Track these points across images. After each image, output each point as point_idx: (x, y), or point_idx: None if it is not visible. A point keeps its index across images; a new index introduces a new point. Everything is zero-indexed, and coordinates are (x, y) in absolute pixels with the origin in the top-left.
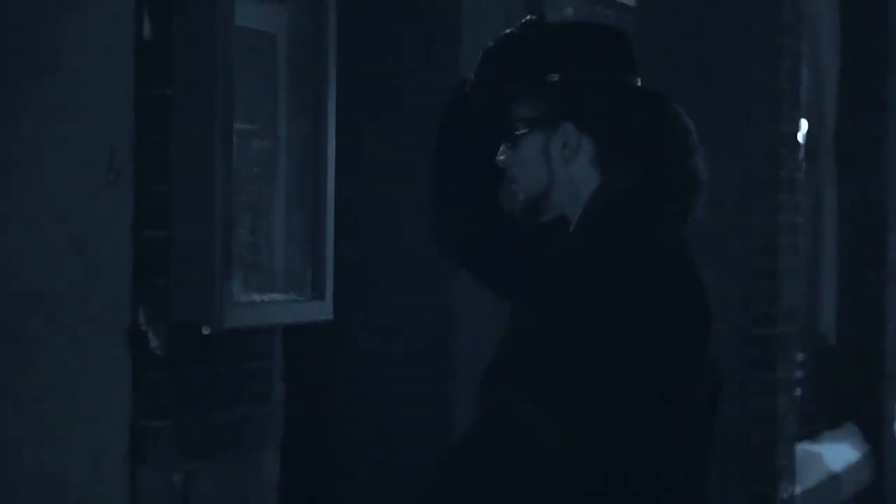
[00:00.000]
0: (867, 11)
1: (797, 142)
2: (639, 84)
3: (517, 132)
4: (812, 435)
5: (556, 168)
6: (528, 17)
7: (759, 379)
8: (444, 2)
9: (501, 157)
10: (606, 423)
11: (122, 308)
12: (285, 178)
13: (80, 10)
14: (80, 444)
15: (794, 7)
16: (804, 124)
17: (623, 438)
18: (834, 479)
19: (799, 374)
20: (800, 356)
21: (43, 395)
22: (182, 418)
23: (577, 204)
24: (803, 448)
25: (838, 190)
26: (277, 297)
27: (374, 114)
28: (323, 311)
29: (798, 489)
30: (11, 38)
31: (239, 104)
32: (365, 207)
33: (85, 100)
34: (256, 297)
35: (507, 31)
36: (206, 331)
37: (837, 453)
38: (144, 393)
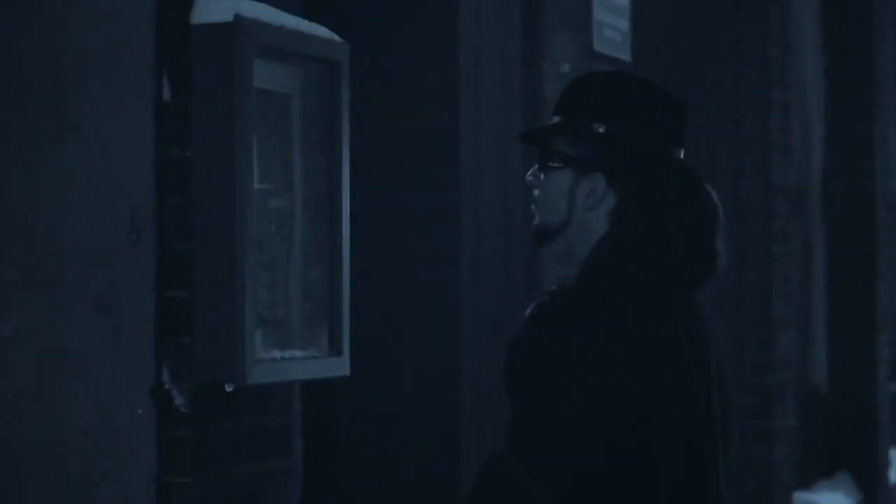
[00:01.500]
0: (853, 64)
1: (789, 192)
2: (681, 155)
3: (551, 163)
4: (806, 484)
5: (577, 210)
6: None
7: (755, 427)
8: (442, 64)
9: (530, 178)
10: (590, 480)
11: (147, 366)
12: (301, 236)
13: (101, 73)
14: (107, 502)
15: (783, 61)
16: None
17: (606, 494)
18: None
19: (794, 422)
20: (793, 404)
21: (68, 452)
22: (206, 474)
23: (587, 246)
24: (799, 496)
25: (828, 238)
26: (296, 353)
27: (385, 170)
28: (340, 367)
29: None
30: (33, 101)
31: (256, 164)
32: (379, 260)
33: (106, 161)
34: (277, 354)
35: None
36: (229, 388)
37: (832, 502)
38: (169, 449)
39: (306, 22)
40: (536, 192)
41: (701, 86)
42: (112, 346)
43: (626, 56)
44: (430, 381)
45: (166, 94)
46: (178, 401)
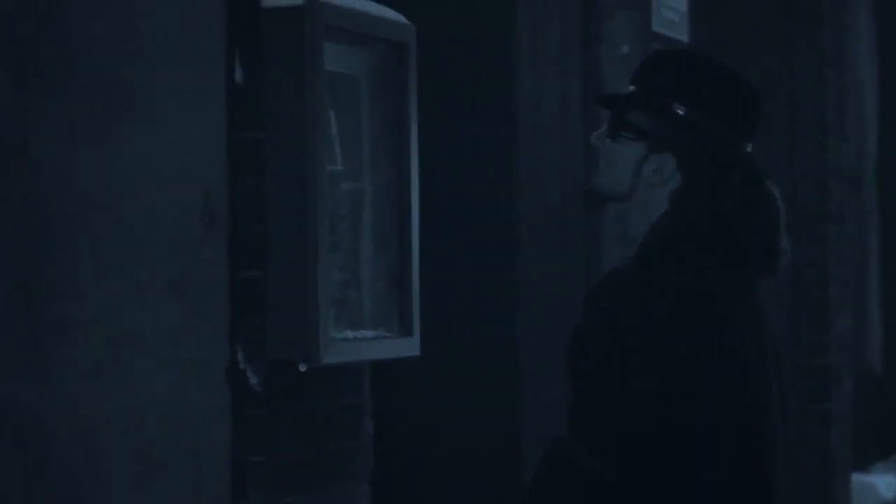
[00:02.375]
0: None
1: (844, 173)
2: (749, 150)
3: (623, 132)
4: (863, 465)
5: (641, 184)
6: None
7: (812, 410)
8: (501, 46)
9: (595, 140)
10: (651, 457)
11: (221, 346)
12: (372, 218)
13: (174, 57)
14: (183, 481)
15: (837, 39)
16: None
17: (665, 470)
18: None
19: (850, 404)
20: (849, 386)
21: (145, 434)
22: (280, 453)
23: (645, 222)
24: (856, 478)
25: (882, 219)
26: (368, 333)
27: (445, 155)
28: (411, 347)
29: None
30: (106, 86)
31: (327, 146)
32: (449, 240)
33: (179, 144)
34: (349, 334)
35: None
36: (302, 367)
37: (890, 483)
38: (243, 428)
39: (374, 4)
40: (600, 154)
41: (755, 65)
42: (187, 328)
43: (683, 36)
44: (490, 363)
45: (238, 77)
46: (253, 380)
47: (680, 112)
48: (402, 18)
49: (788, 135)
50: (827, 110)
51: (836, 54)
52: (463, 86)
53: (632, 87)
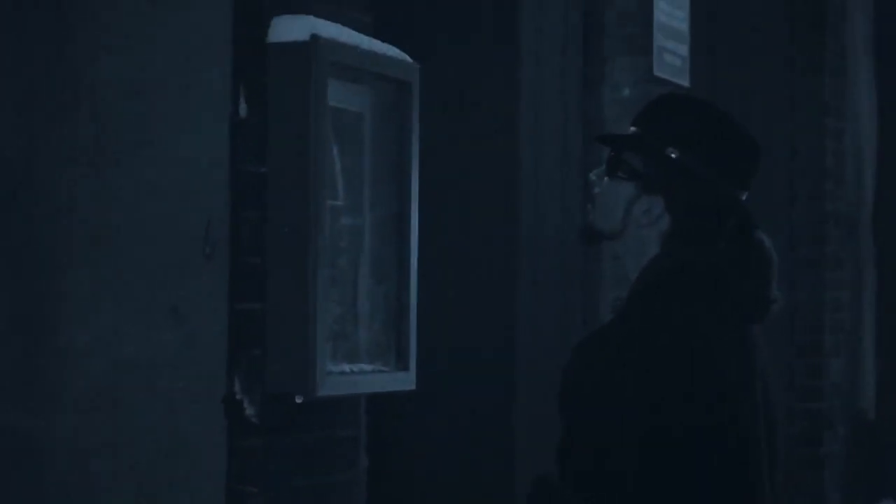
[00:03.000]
0: None
1: (841, 219)
2: (743, 198)
3: (618, 171)
4: None
5: (631, 223)
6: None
7: (804, 454)
8: (502, 86)
9: (593, 177)
10: (640, 495)
11: (219, 377)
12: (370, 252)
13: (179, 89)
14: None
15: (837, 87)
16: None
17: None
18: None
19: (842, 448)
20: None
21: (140, 461)
22: (273, 484)
23: (638, 263)
24: None
25: (878, 265)
26: (365, 367)
27: (446, 192)
28: (407, 381)
29: None
30: (110, 117)
31: (328, 180)
32: (447, 276)
33: (182, 176)
34: (346, 368)
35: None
36: (299, 399)
37: None
38: (238, 459)
39: (379, 42)
40: (596, 191)
41: (756, 112)
42: (185, 357)
43: (684, 81)
44: (486, 399)
45: (242, 111)
46: (249, 411)
47: (672, 156)
48: (405, 57)
49: (787, 180)
50: (826, 156)
51: (836, 102)
52: (466, 122)
53: (633, 129)
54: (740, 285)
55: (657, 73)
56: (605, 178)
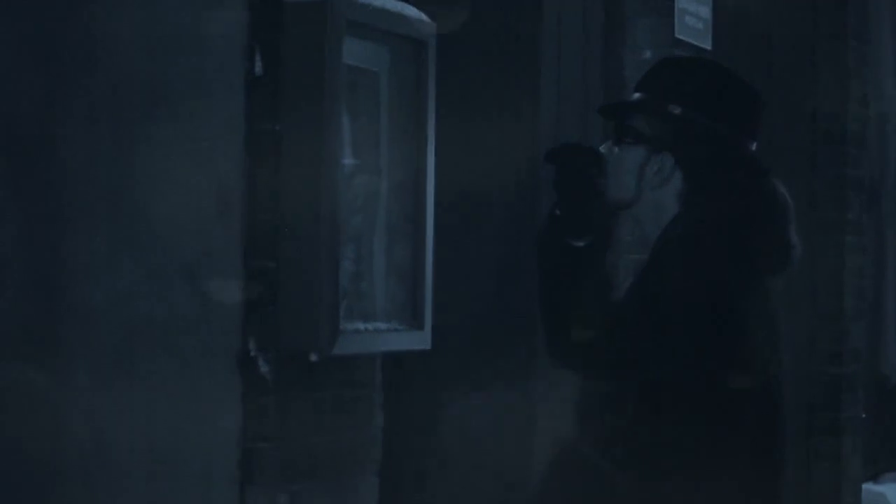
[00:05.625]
0: None
1: (863, 184)
2: (753, 147)
3: (625, 138)
4: (874, 476)
5: (645, 187)
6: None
7: (824, 418)
8: (523, 48)
9: (603, 150)
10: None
11: (233, 334)
12: (386, 211)
13: (194, 48)
14: (191, 467)
15: (859, 51)
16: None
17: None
18: None
19: (863, 413)
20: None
21: (154, 418)
22: (288, 441)
23: (658, 226)
24: (867, 488)
25: None
26: (380, 325)
27: (465, 155)
28: (422, 340)
29: None
30: (125, 77)
31: (343, 139)
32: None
33: (196, 135)
34: (360, 326)
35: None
36: (313, 357)
37: None
38: (253, 416)
39: (395, 1)
40: (609, 167)
41: (778, 76)
42: (199, 315)
43: (706, 44)
44: (505, 361)
45: (257, 69)
46: (263, 369)
47: (676, 112)
48: (422, 16)
49: (809, 145)
50: (847, 122)
51: (859, 67)
52: (485, 83)
53: (636, 95)
54: (760, 233)
55: (679, 35)
56: (615, 149)
